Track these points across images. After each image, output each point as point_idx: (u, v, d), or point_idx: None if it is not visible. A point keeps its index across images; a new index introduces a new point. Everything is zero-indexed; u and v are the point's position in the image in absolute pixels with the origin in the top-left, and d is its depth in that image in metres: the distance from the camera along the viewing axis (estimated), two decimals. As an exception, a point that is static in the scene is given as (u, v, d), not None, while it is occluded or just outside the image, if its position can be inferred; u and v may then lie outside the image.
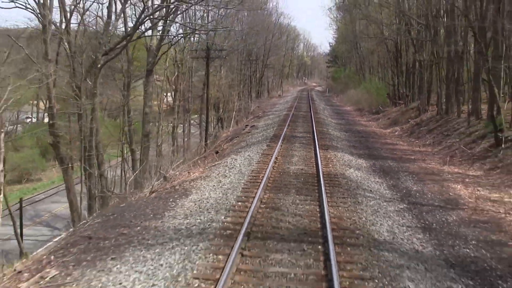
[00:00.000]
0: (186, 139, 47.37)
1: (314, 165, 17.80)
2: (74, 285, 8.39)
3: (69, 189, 24.77)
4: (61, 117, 38.89)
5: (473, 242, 10.88)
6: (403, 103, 42.07)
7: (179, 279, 8.04)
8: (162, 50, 34.21)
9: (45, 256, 11.53)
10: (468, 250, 10.33)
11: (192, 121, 53.90)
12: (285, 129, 28.85)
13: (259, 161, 18.91)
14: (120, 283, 8.08)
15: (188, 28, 34.94)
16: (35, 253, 18.55)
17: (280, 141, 23.82)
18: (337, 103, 68.28)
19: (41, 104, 61.22)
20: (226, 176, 16.56)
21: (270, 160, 18.45)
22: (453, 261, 9.59)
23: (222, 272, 7.93)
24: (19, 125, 63.71)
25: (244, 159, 19.80)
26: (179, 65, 42.70)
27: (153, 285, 7.90)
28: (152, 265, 8.76)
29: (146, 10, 25.79)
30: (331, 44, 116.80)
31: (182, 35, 36.29)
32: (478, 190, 16.35)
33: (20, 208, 23.28)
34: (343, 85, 78.57)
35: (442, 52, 31.73)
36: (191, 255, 9.01)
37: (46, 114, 46.59)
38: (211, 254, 9.03)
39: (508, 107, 24.75)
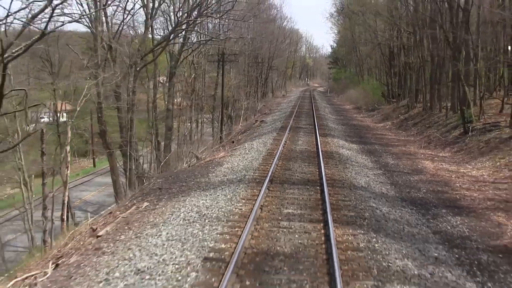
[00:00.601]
0: (199, 134, 52.40)
1: (315, 146, 22.82)
2: (163, 209, 13.41)
3: (113, 170, 29.75)
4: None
5: (424, 191, 15.93)
6: (396, 101, 47.14)
7: (232, 199, 13.12)
8: (183, 55, 39.34)
9: (128, 201, 16.68)
10: (418, 194, 15.39)
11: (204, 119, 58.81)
12: (290, 122, 33.89)
13: (272, 143, 23.97)
14: (195, 205, 13.11)
15: (206, 36, 39.91)
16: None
17: (287, 130, 28.85)
18: (337, 102, 73.43)
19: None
20: (248, 153, 21.64)
21: (280, 143, 23.48)
22: (406, 199, 14.66)
23: (257, 196, 12.96)
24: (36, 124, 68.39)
25: (259, 143, 24.86)
26: (195, 68, 47.89)
27: (217, 202, 12.96)
28: (211, 196, 13.83)
29: (176, 23, 30.96)
30: (332, 47, 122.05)
31: (202, 42, 41.29)
32: (441, 164, 21.39)
33: (65, 190, 27.97)
34: (344, 85, 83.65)
35: (426, 56, 36.79)
36: (237, 190, 14.10)
37: (62, 113, 50.70)
38: (249, 189, 14.12)
39: (487, 103, 29.67)
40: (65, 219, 24.54)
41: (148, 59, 31.67)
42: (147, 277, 8.30)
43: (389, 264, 8.84)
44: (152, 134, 33.76)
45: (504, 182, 17.57)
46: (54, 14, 15.69)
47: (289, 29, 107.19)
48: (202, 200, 13.47)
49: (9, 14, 14.74)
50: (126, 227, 12.15)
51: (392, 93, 50.37)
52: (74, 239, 13.74)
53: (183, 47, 38.26)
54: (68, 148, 24.28)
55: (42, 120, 76.50)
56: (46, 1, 15.15)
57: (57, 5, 15.85)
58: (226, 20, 42.29)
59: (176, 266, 8.63)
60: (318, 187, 14.48)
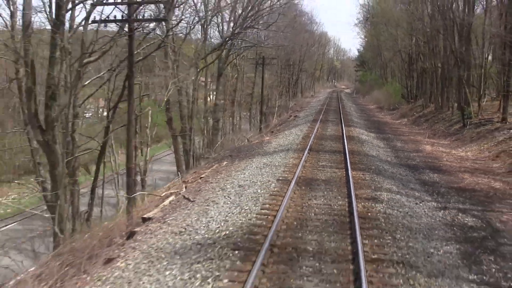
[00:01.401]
0: (238, 128, 59.38)
1: (341, 132, 29.39)
2: (239, 164, 20.25)
3: (176, 150, 36.77)
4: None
5: (417, 161, 22.48)
6: (413, 101, 53.45)
7: (285, 158, 19.92)
8: (229, 58, 46.40)
9: (207, 164, 23.58)
10: (413, 162, 21.96)
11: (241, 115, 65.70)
12: (320, 117, 40.57)
13: (307, 130, 30.69)
14: (260, 161, 19.88)
15: (249, 43, 46.74)
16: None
17: (318, 122, 35.52)
18: (362, 102, 79.89)
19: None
20: (289, 136, 28.40)
21: (313, 130, 30.14)
22: (402, 164, 21.26)
23: (302, 156, 19.66)
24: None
25: (296, 130, 31.60)
26: (238, 70, 54.91)
27: (276, 159, 19.74)
28: (271, 157, 20.62)
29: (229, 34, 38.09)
30: (359, 50, 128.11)
31: (246, 48, 48.16)
32: (438, 148, 27.85)
33: (145, 163, 34.87)
34: (369, 87, 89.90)
35: (437, 63, 43.13)
36: (287, 154, 20.92)
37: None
38: (295, 153, 20.90)
39: (491, 104, 35.83)
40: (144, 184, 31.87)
41: (205, 62, 38.78)
42: (246, 187, 15.11)
43: (382, 186, 15.53)
44: (204, 124, 40.74)
45: (481, 159, 24.02)
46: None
47: (318, 33, 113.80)
48: (265, 159, 20.28)
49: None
50: (217, 173, 19.03)
51: (411, 94, 56.67)
52: (174, 186, 20.59)
53: (229, 52, 45.17)
54: (148, 131, 31.46)
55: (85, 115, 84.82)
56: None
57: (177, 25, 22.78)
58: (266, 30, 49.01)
59: (261, 182, 15.46)
60: (341, 153, 21.18)
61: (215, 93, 46.57)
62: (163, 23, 27.69)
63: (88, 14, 20.20)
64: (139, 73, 35.37)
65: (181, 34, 37.99)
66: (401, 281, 8.29)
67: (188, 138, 36.43)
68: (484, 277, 9.06)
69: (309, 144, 23.08)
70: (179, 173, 29.74)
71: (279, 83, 74.23)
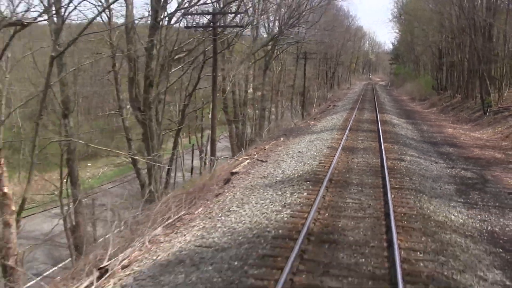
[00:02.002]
0: (280, 117, 64.74)
1: (375, 117, 34.38)
2: (294, 139, 25.57)
3: (231, 134, 42.53)
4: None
5: (438, 139, 27.46)
6: (442, 92, 57.91)
7: (331, 134, 25.18)
8: (275, 53, 51.76)
9: (265, 142, 28.98)
10: (435, 140, 26.95)
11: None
12: (357, 105, 45.59)
13: (346, 116, 35.80)
14: (311, 137, 25.14)
15: (293, 39, 52.03)
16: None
17: (356, 110, 40.56)
18: (395, 94, 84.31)
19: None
20: (331, 121, 33.57)
21: (351, 116, 35.21)
22: (426, 141, 26.29)
23: (344, 134, 24.85)
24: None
25: (336, 116, 36.76)
26: (281, 63, 60.26)
27: (323, 136, 25.01)
28: (318, 135, 25.89)
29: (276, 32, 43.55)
30: (393, 44, 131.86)
31: (291, 43, 53.52)
32: (459, 131, 32.67)
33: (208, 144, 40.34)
34: (402, 80, 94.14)
35: (464, 57, 47.64)
36: (332, 132, 26.18)
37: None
38: (339, 132, 26.14)
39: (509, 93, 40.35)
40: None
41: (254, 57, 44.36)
42: (304, 152, 20.44)
43: (406, 153, 20.67)
44: (253, 112, 46.30)
45: (493, 140, 28.80)
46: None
47: (354, 28, 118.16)
48: (314, 136, 25.58)
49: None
50: (277, 146, 24.40)
51: (440, 86, 61.11)
52: (242, 157, 26.01)
53: (275, 47, 50.47)
54: (210, 115, 37.09)
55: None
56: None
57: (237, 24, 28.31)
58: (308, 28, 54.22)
59: (315, 149, 20.79)
60: (376, 132, 26.31)
61: (261, 84, 51.97)
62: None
63: (177, 19, 25.82)
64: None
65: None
66: (412, 197, 13.52)
67: (241, 124, 41.97)
68: (468, 200, 14.25)
69: (349, 125, 28.25)
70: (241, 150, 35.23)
71: (317, 75, 79.27)
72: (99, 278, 10.77)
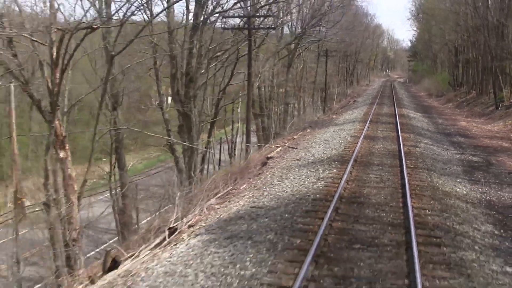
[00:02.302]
0: (302, 112, 67.42)
1: (394, 111, 36.92)
2: (319, 130, 28.30)
3: (258, 128, 45.35)
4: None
5: (452, 130, 29.99)
6: (458, 88, 60.14)
7: (354, 125, 27.85)
8: (298, 51, 54.47)
9: (293, 133, 31.73)
10: (448, 131, 29.49)
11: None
12: (377, 100, 48.15)
13: (366, 110, 38.40)
14: (335, 129, 27.82)
15: (315, 38, 54.70)
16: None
17: (375, 105, 43.12)
18: (413, 90, 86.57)
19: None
20: (352, 114, 36.21)
21: (371, 110, 37.78)
22: (440, 132, 28.86)
23: (364, 126, 27.49)
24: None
25: (357, 110, 39.38)
26: (303, 60, 62.95)
27: (346, 127, 27.69)
28: (341, 127, 28.57)
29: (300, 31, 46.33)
30: (411, 41, 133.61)
31: (313, 42, 56.24)
32: (471, 124, 35.09)
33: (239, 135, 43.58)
34: (420, 76, 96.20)
35: (478, 55, 49.91)
36: (354, 124, 28.85)
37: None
38: (360, 124, 28.81)
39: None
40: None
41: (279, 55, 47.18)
42: (330, 140, 23.15)
43: (421, 141, 23.29)
44: (277, 107, 49.12)
45: (503, 131, 31.19)
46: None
47: (373, 26, 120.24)
48: (337, 127, 28.27)
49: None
50: (304, 136, 27.13)
51: (456, 82, 63.32)
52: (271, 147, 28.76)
53: (297, 45, 53.13)
54: (239, 109, 39.99)
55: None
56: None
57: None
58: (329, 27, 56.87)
59: (340, 138, 23.51)
60: (394, 124, 28.89)
61: (285, 81, 54.69)
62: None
63: (214, 21, 28.66)
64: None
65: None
66: (424, 174, 16.18)
67: (267, 118, 44.77)
68: (472, 178, 16.89)
69: (369, 118, 30.87)
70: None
71: (337, 72, 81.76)
72: (170, 235, 13.57)
